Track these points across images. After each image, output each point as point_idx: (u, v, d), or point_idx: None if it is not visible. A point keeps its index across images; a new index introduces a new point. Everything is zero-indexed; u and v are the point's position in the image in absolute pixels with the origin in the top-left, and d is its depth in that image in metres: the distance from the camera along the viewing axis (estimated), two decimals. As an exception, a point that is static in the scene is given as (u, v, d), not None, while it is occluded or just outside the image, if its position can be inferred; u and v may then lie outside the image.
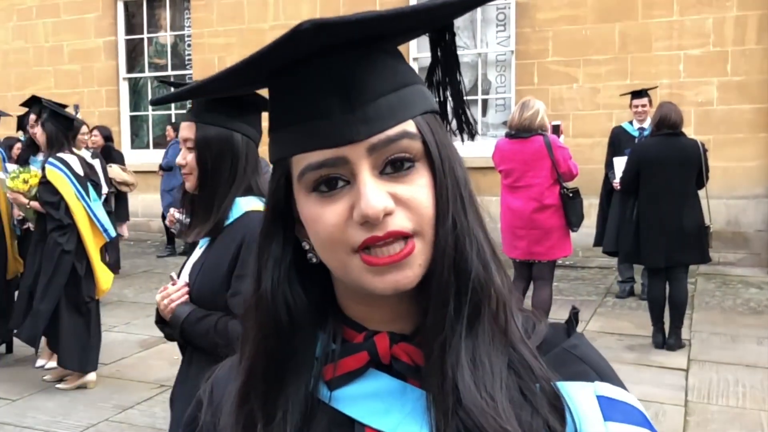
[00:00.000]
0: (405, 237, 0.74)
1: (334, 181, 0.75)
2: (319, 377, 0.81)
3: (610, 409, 0.77)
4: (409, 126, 0.76)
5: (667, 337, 5.92)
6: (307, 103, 0.75)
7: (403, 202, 0.74)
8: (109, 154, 8.97)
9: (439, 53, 0.84)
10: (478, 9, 10.22)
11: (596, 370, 0.81)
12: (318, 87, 0.75)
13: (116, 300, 7.92)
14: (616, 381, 0.81)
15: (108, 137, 9.40)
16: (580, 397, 0.77)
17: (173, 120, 12.36)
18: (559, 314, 6.70)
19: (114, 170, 8.56)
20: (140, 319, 7.08)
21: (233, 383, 0.86)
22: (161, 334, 6.58)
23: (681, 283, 5.93)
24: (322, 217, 0.75)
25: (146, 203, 11.55)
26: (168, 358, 5.84)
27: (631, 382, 5.20)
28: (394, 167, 0.75)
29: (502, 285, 0.79)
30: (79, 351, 5.20)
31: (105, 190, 7.52)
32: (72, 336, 5.18)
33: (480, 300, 0.77)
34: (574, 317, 0.87)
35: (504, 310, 0.79)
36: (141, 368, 5.65)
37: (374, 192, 0.72)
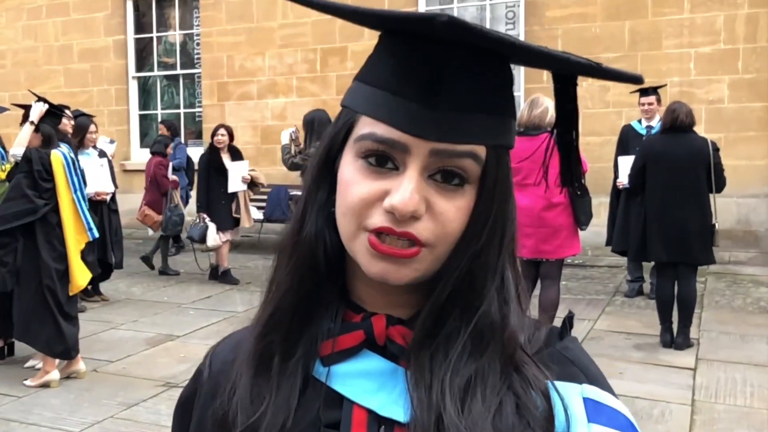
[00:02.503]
0: (415, 242, 0.74)
1: (385, 160, 0.75)
2: (315, 354, 0.82)
3: (595, 412, 0.77)
4: (480, 150, 0.76)
5: (676, 337, 5.88)
6: (404, 77, 0.75)
7: (433, 213, 0.74)
8: (236, 153, 8.85)
9: (561, 98, 0.84)
10: (487, 7, 10.25)
11: (585, 373, 0.82)
12: (422, 69, 0.74)
13: (124, 298, 7.95)
14: (605, 386, 0.82)
15: (232, 136, 9.14)
16: (569, 397, 0.78)
17: (182, 118, 12.41)
18: (566, 313, 6.65)
19: (254, 172, 8.69)
20: (147, 317, 7.10)
21: (254, 326, 0.86)
22: (168, 332, 6.69)
23: (689, 283, 5.89)
24: (356, 186, 0.76)
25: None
26: (175, 355, 5.85)
27: (638, 381, 5.18)
28: (443, 177, 0.75)
29: (517, 322, 0.80)
30: (39, 333, 5.18)
31: (111, 189, 7.52)
32: (29, 317, 5.20)
33: (485, 332, 0.77)
34: (568, 321, 0.88)
35: (514, 346, 0.79)
36: (147, 366, 5.65)
37: (413, 192, 0.73)
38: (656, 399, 4.78)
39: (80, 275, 5.32)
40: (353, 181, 0.76)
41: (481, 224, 0.77)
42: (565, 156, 0.86)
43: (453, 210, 0.75)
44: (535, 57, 0.76)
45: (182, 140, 10.41)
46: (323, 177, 0.82)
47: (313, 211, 0.81)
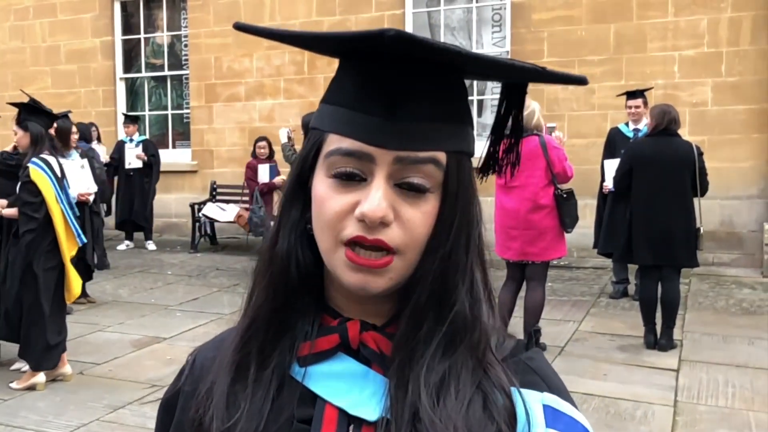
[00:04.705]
0: (387, 250, 0.79)
1: (353, 176, 0.80)
2: (292, 356, 0.86)
3: (554, 418, 0.82)
4: (440, 156, 0.80)
5: (659, 338, 5.92)
6: (364, 93, 0.80)
7: (401, 220, 0.79)
8: None
9: (507, 103, 0.89)
10: (474, 9, 10.28)
11: (547, 382, 0.86)
12: (379, 84, 0.79)
13: (111, 300, 7.93)
14: (566, 397, 0.86)
15: None
16: (530, 402, 0.82)
17: (170, 119, 12.39)
18: (552, 314, 6.72)
19: None
20: (134, 319, 7.10)
21: (233, 333, 0.91)
22: (155, 334, 6.74)
23: (673, 284, 5.94)
24: (329, 202, 0.80)
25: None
26: (161, 357, 5.86)
27: (622, 382, 5.23)
28: (410, 186, 0.80)
29: (488, 322, 0.84)
30: (36, 349, 5.19)
31: (94, 189, 7.48)
32: (27, 333, 5.20)
33: (458, 330, 0.82)
34: (534, 334, 0.93)
35: (485, 344, 0.83)
36: (134, 368, 5.65)
37: (380, 199, 0.77)
38: (639, 400, 4.82)
39: (76, 283, 5.35)
40: (326, 196, 0.81)
41: (447, 227, 0.81)
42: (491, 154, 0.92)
43: (419, 216, 0.80)
44: (483, 65, 0.81)
45: (95, 145, 9.91)
46: (296, 196, 0.86)
47: (286, 228, 0.86)
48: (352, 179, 0.80)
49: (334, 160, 0.80)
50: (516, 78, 0.86)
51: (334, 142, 0.81)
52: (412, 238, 0.79)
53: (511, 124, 0.90)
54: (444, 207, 0.81)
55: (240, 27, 0.86)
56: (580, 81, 0.80)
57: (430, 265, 0.81)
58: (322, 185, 0.82)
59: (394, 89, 0.79)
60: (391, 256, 0.79)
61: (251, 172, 9.65)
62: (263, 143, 9.95)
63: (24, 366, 5.42)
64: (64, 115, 7.76)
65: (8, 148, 5.54)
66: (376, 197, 0.77)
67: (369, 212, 0.77)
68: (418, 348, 0.81)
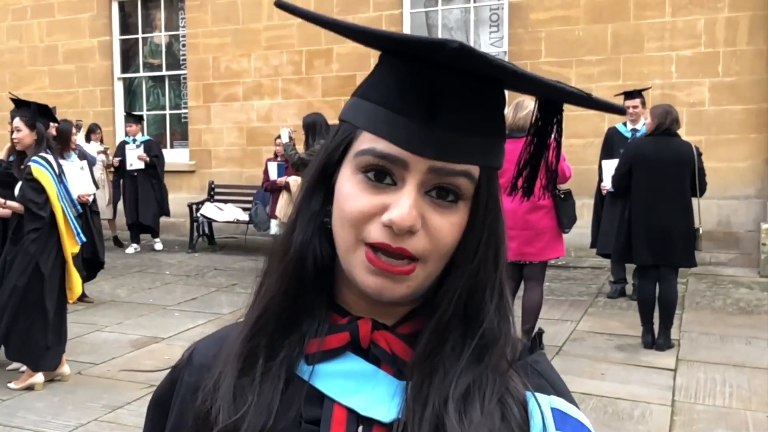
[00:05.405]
0: (409, 258, 0.78)
1: (383, 175, 0.78)
2: (300, 354, 0.85)
3: (562, 421, 0.82)
4: (474, 170, 0.79)
5: (657, 338, 5.94)
6: (405, 95, 0.78)
7: (428, 228, 0.78)
8: None
9: (547, 120, 0.86)
10: (471, 9, 10.29)
11: (553, 385, 0.86)
12: (422, 88, 0.77)
13: (109, 300, 7.93)
14: (569, 398, 0.86)
15: None
16: (543, 407, 0.82)
17: (168, 119, 12.39)
18: (550, 314, 6.73)
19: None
20: (132, 319, 7.09)
21: (235, 329, 0.89)
22: (153, 334, 6.75)
23: (670, 284, 5.95)
24: (356, 200, 0.78)
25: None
26: (159, 357, 5.85)
27: (620, 381, 5.24)
28: (439, 194, 0.78)
29: (513, 340, 0.84)
30: (36, 349, 5.18)
31: (93, 191, 7.52)
32: (27, 333, 5.18)
33: (486, 346, 0.81)
34: (538, 337, 0.93)
35: (510, 358, 0.83)
36: (132, 368, 5.65)
37: (410, 207, 0.76)
38: (637, 400, 4.83)
39: (77, 282, 5.37)
40: (352, 194, 0.79)
41: (475, 241, 0.80)
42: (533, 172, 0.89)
43: (447, 226, 0.78)
44: (531, 84, 0.79)
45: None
46: (318, 188, 0.84)
47: (304, 220, 0.84)
48: (381, 180, 0.78)
49: (366, 159, 0.78)
50: (560, 99, 0.84)
51: (368, 141, 0.79)
52: (437, 248, 0.78)
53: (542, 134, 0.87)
54: (473, 221, 0.80)
55: (282, 6, 0.82)
56: (620, 111, 0.80)
57: (457, 282, 0.80)
58: (349, 182, 0.80)
59: (437, 96, 0.77)
60: (413, 264, 0.78)
61: (265, 168, 9.83)
62: (280, 140, 9.97)
63: (22, 366, 5.41)
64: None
65: (1, 155, 5.56)
66: (406, 205, 0.76)
67: (398, 220, 0.75)
68: (441, 364, 0.80)
